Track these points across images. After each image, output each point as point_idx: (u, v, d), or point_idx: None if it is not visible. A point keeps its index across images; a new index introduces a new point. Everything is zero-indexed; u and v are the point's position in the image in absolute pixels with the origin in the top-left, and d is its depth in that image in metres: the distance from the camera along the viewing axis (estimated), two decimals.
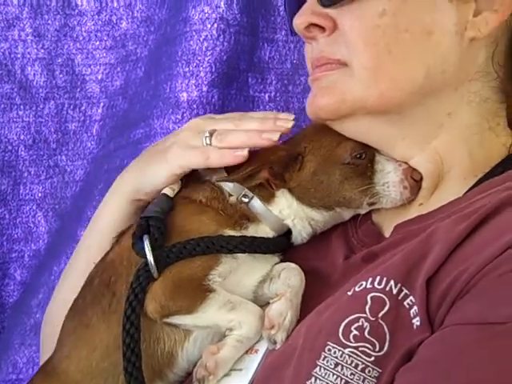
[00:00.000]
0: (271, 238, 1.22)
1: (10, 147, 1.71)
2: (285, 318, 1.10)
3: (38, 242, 1.73)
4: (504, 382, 0.88)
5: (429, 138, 1.16)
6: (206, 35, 1.53)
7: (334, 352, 0.99)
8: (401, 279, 1.00)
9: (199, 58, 1.54)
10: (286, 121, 1.24)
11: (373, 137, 1.18)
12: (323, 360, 0.99)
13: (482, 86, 1.15)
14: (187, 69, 1.54)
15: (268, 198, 1.22)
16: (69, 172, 1.72)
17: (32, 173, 1.72)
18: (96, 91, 1.70)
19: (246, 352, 1.12)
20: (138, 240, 1.16)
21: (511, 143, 1.18)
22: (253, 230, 1.20)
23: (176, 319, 1.14)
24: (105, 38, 1.68)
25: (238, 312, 1.13)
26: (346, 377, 0.98)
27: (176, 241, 1.16)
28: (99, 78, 1.70)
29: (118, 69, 1.69)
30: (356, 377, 0.98)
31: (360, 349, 0.98)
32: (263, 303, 1.16)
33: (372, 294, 1.01)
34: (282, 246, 1.23)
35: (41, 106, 1.70)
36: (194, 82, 1.54)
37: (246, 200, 1.20)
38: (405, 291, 1.00)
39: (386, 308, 0.99)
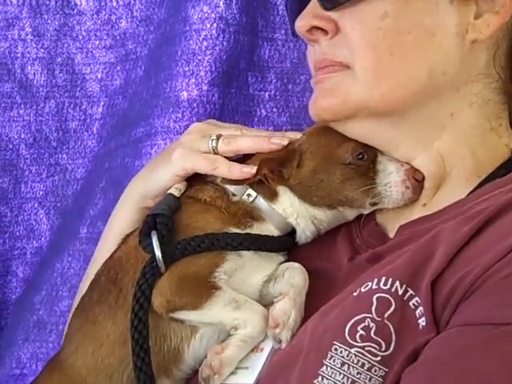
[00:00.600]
0: (276, 236, 1.23)
1: (10, 146, 1.71)
2: (289, 317, 1.11)
3: (40, 240, 1.73)
4: (510, 382, 0.89)
5: (431, 139, 1.17)
6: (206, 34, 1.54)
7: (341, 352, 1.00)
8: (406, 280, 1.01)
9: (199, 57, 1.54)
10: (294, 134, 1.26)
11: (375, 138, 1.19)
12: (330, 359, 1.00)
13: (484, 88, 1.16)
14: (187, 68, 1.55)
15: (271, 196, 1.23)
16: (70, 170, 1.72)
17: (33, 171, 1.72)
18: (96, 90, 1.70)
19: (252, 350, 1.13)
20: (146, 237, 1.18)
21: None
22: (257, 229, 1.21)
23: (182, 314, 1.15)
24: (104, 38, 1.68)
25: (242, 311, 1.14)
26: (353, 376, 0.99)
27: (182, 238, 1.17)
28: (99, 77, 1.70)
29: (118, 68, 1.69)
30: (363, 376, 0.99)
31: (366, 348, 0.99)
32: (268, 302, 1.17)
33: (378, 295, 1.02)
34: (286, 244, 1.24)
35: (41, 105, 1.70)
36: (194, 81, 1.55)
37: (250, 199, 1.22)
38: (410, 292, 1.01)
39: (392, 308, 1.00)
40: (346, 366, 0.99)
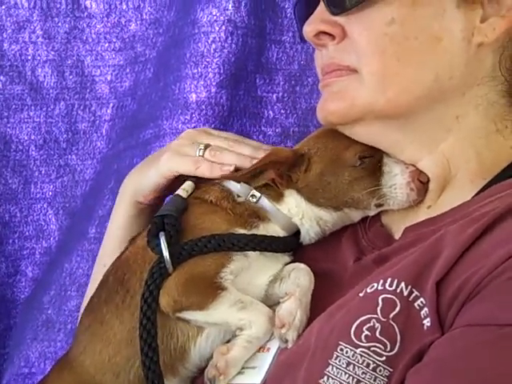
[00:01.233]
0: (281, 237, 1.24)
1: (21, 147, 1.73)
2: (295, 317, 1.12)
3: (49, 240, 1.75)
4: None
5: (436, 142, 1.17)
6: (214, 37, 1.55)
7: (346, 352, 1.01)
8: (411, 281, 1.01)
9: (207, 60, 1.56)
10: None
11: (382, 141, 1.20)
12: (335, 359, 1.01)
13: (490, 90, 1.16)
14: (196, 70, 1.56)
15: (277, 197, 1.24)
16: (79, 171, 1.74)
17: (43, 172, 1.74)
18: (105, 92, 1.72)
19: (258, 350, 1.14)
20: (154, 237, 1.19)
21: None
22: (263, 229, 1.22)
23: (188, 314, 1.16)
24: (114, 40, 1.70)
25: (248, 312, 1.14)
26: (358, 376, 0.99)
27: (189, 239, 1.18)
28: (108, 79, 1.71)
29: (127, 70, 1.71)
30: (368, 376, 0.99)
31: (371, 349, 1.00)
32: (274, 303, 1.18)
33: (383, 296, 1.02)
34: (291, 245, 1.25)
35: (51, 107, 1.72)
36: (202, 83, 1.56)
37: (254, 200, 1.23)
38: (415, 293, 1.01)
39: (397, 309, 1.01)
40: (352, 365, 1.00)
